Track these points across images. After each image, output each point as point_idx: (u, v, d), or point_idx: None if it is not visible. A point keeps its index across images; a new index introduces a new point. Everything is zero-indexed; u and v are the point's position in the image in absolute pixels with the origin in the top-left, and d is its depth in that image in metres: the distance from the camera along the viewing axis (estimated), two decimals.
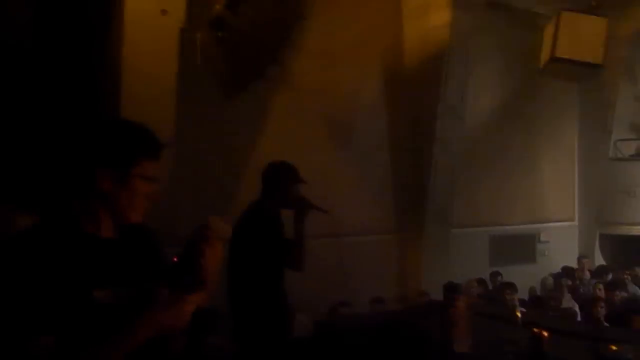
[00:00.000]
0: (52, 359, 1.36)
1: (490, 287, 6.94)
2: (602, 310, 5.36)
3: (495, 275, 7.25)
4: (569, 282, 7.06)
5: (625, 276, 7.25)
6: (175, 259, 1.52)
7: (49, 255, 1.45)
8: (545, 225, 8.62)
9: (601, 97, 8.39)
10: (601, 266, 8.15)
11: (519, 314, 2.88)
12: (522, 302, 5.91)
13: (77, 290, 1.45)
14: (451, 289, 2.79)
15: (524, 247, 8.41)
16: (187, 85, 5.73)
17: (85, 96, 5.10)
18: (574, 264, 8.05)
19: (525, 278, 7.39)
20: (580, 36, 6.01)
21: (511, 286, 6.01)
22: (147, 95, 5.61)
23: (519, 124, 7.99)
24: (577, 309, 6.11)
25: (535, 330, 2.44)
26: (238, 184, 5.87)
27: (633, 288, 7.07)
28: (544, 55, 6.29)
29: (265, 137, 6.25)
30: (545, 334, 2.40)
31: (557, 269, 7.90)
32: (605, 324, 5.10)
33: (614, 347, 2.29)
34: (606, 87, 8.26)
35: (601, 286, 6.53)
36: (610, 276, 7.39)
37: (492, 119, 7.88)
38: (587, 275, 7.71)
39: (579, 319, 5.66)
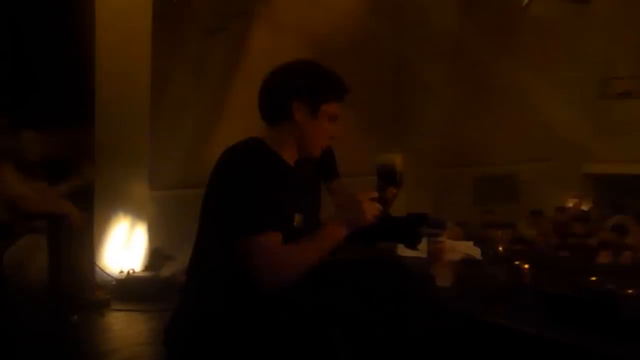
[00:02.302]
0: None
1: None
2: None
3: (486, 213, 7.32)
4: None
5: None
6: None
7: (271, 166, 1.67)
8: (527, 164, 8.64)
9: (586, 35, 8.29)
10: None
11: (501, 249, 2.89)
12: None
13: (283, 204, 1.63)
14: (434, 224, 2.78)
15: (506, 187, 8.45)
16: (163, 23, 5.57)
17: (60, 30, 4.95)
18: (556, 203, 8.10)
19: (507, 218, 7.46)
20: None
21: (495, 222, 6.05)
22: (121, 34, 5.47)
23: (505, 60, 7.88)
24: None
25: (516, 262, 2.44)
26: (215, 125, 5.82)
27: None
28: None
29: (245, 75, 6.11)
30: (526, 266, 2.41)
31: (539, 208, 7.94)
32: None
33: (594, 279, 2.30)
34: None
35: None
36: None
37: (476, 55, 7.76)
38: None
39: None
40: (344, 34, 6.66)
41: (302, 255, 1.54)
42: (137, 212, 5.66)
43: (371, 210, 1.63)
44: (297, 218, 1.71)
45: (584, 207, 8.03)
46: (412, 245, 1.68)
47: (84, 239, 5.13)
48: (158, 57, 5.66)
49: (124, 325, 4.76)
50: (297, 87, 1.77)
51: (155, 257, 5.69)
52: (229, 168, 1.66)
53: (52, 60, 5.04)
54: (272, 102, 1.81)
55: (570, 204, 7.97)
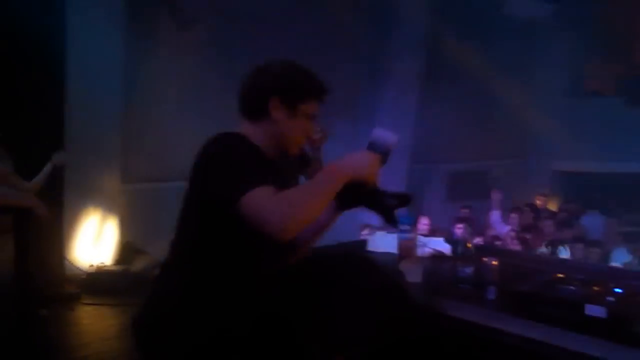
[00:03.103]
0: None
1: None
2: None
3: (463, 208, 7.43)
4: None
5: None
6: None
7: (254, 149, 1.72)
8: (497, 161, 8.76)
9: (559, 35, 8.41)
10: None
11: (470, 246, 2.93)
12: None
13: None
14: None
15: (476, 183, 8.56)
16: (137, 16, 5.52)
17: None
18: (526, 199, 8.25)
19: (476, 214, 7.58)
20: None
21: (465, 220, 6.15)
22: (93, 26, 5.40)
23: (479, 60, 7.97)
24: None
25: (484, 259, 2.48)
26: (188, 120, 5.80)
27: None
28: None
29: (219, 70, 6.07)
30: (494, 263, 2.44)
31: (509, 205, 8.06)
32: None
33: (560, 275, 2.34)
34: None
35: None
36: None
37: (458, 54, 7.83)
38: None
39: None
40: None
41: (304, 193, 1.53)
42: (108, 206, 5.60)
43: (374, 165, 1.63)
44: None
45: (551, 205, 8.19)
46: (393, 222, 1.68)
47: (54, 233, 5.06)
48: (130, 51, 5.60)
49: (93, 320, 4.71)
50: (275, 86, 1.79)
51: (126, 251, 5.64)
52: (213, 147, 1.67)
53: (22, 52, 4.94)
54: (251, 100, 1.81)
55: (539, 202, 8.12)
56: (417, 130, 7.41)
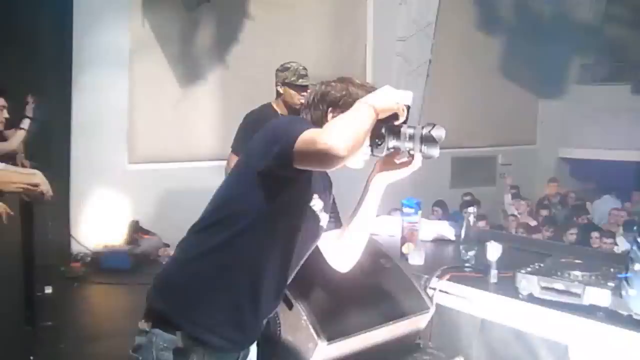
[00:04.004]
0: None
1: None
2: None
3: (464, 195, 7.45)
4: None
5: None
6: None
7: None
8: (505, 148, 8.72)
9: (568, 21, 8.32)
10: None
11: (474, 229, 2.92)
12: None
13: None
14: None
15: (484, 169, 8.54)
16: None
17: None
18: (533, 186, 8.25)
19: (484, 200, 7.56)
20: None
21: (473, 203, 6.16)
22: (100, 6, 5.41)
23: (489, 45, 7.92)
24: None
25: (488, 243, 2.48)
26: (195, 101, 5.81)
27: None
28: None
29: (226, 51, 6.06)
30: (498, 246, 2.44)
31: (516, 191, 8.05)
32: None
33: (563, 260, 2.34)
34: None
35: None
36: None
37: (461, 40, 7.79)
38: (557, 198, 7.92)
39: None
40: None
41: (344, 120, 1.55)
42: (114, 185, 5.63)
43: (395, 94, 1.64)
44: (315, 201, 1.74)
45: (561, 191, 8.17)
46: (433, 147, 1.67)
47: (60, 212, 5.10)
48: (138, 32, 5.60)
49: (99, 298, 4.76)
50: None
51: (132, 230, 5.68)
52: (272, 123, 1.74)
53: (30, 32, 4.94)
54: None
55: (547, 190, 8.11)
56: (423, 116, 7.39)
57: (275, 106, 3.78)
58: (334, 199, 1.93)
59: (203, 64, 5.94)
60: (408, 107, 1.71)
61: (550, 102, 8.76)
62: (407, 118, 1.70)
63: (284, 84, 3.69)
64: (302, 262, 1.76)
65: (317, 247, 1.83)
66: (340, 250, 1.85)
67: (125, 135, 5.77)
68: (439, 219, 6.00)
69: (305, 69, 3.76)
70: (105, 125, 5.58)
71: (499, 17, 7.87)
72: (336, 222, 2.99)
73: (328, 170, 1.72)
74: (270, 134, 1.64)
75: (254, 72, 5.44)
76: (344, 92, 1.79)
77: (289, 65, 3.74)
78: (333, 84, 1.82)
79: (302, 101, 3.29)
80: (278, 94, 3.77)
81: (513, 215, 6.82)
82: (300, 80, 3.68)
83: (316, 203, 1.76)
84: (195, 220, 1.70)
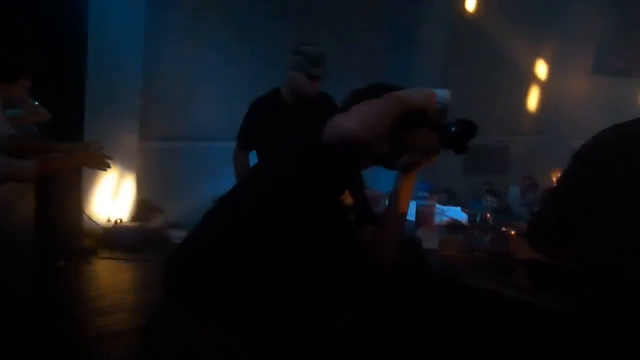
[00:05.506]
0: None
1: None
2: None
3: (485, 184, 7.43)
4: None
5: None
6: None
7: None
8: (517, 137, 8.68)
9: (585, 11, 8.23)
10: None
11: (488, 216, 2.93)
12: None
13: None
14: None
15: (496, 159, 8.51)
16: None
17: None
18: (544, 177, 8.19)
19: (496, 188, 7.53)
20: None
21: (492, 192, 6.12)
22: None
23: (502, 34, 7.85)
24: None
25: (504, 229, 2.48)
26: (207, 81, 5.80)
27: None
28: None
29: (239, 32, 6.02)
30: (513, 233, 2.45)
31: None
32: None
33: None
34: None
35: None
36: None
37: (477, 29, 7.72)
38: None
39: None
40: None
41: (365, 105, 1.53)
42: (126, 163, 5.65)
43: (429, 94, 1.60)
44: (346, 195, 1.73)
45: None
46: (462, 150, 1.65)
47: (74, 188, 5.13)
48: (152, 12, 5.58)
49: (110, 273, 4.80)
50: None
51: (143, 208, 5.71)
52: None
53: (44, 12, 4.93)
54: None
55: (555, 179, 8.07)
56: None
57: (283, 94, 3.38)
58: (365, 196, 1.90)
59: (219, 44, 5.90)
60: (445, 107, 1.65)
61: (565, 91, 8.68)
62: (445, 118, 1.65)
63: (294, 69, 3.25)
64: None
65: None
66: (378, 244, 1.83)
67: (138, 114, 5.77)
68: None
69: (322, 55, 3.27)
70: (117, 103, 5.58)
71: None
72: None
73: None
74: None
75: (271, 51, 5.41)
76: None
77: (304, 49, 3.27)
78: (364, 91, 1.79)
79: (313, 93, 3.15)
80: (288, 80, 3.31)
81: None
82: (313, 69, 3.21)
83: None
84: (203, 200, 1.70)
